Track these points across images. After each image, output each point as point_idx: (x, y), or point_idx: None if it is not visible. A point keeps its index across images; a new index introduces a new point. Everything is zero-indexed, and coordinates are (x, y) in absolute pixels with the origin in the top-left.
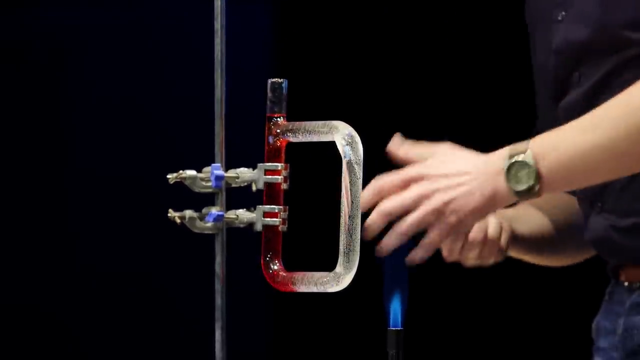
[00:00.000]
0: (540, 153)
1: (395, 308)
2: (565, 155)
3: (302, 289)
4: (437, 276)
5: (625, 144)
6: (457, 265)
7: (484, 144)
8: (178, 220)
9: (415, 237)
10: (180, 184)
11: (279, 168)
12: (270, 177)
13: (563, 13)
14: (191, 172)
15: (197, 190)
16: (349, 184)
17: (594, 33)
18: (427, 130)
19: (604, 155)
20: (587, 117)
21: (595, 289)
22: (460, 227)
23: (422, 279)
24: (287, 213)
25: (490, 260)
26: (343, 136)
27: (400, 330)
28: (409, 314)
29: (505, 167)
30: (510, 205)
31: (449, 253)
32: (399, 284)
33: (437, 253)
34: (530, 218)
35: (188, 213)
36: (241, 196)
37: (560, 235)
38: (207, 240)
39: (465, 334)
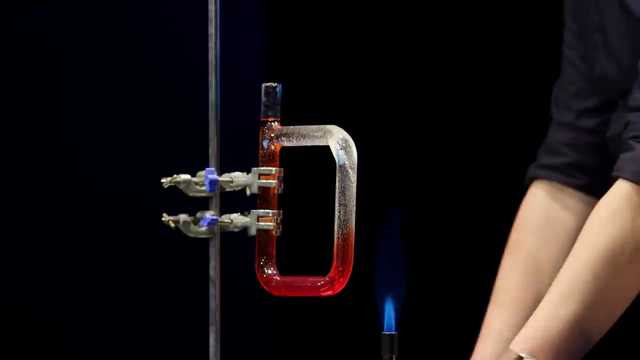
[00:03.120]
0: (535, 348)
1: (389, 312)
2: (560, 335)
3: (297, 293)
4: (432, 280)
5: (606, 289)
6: (451, 269)
7: (480, 150)
8: (172, 225)
9: (409, 244)
10: (174, 188)
11: (273, 172)
12: (264, 181)
13: (601, 40)
14: (185, 176)
15: (191, 194)
16: (343, 189)
17: (625, 73)
18: (421, 135)
19: (594, 309)
20: (555, 288)
21: None
22: None
23: (416, 283)
24: (281, 217)
25: None
26: (337, 140)
27: (394, 334)
28: (402, 318)
29: None
30: None
31: None
32: (392, 288)
33: (431, 256)
34: None
35: (182, 217)
36: (235, 200)
37: None
38: (201, 244)
39: (459, 339)
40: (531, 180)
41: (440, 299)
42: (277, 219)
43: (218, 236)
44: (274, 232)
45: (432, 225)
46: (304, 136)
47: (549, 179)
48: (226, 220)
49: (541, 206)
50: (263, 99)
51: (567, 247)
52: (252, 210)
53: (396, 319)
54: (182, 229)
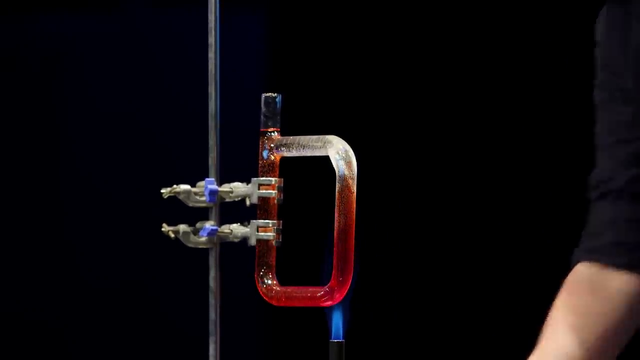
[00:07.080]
0: None
1: (337, 320)
2: None
3: (297, 303)
4: (379, 288)
5: None
6: (398, 277)
7: (480, 164)
8: (172, 235)
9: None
10: (174, 199)
11: (273, 182)
12: (264, 191)
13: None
14: (185, 187)
15: (191, 204)
16: (343, 199)
17: None
18: (421, 145)
19: None
20: None
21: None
22: None
23: (363, 290)
24: (281, 227)
25: None
26: (337, 151)
27: (341, 342)
28: (350, 325)
29: None
30: None
31: None
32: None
33: (379, 265)
34: None
35: (182, 227)
36: (235, 210)
37: None
38: (201, 254)
39: (407, 346)
40: (575, 263)
41: (388, 306)
42: (276, 229)
43: (218, 246)
44: (273, 242)
45: (410, 232)
46: (303, 146)
47: (591, 260)
48: (226, 231)
49: (583, 287)
50: (263, 109)
51: (614, 323)
52: (252, 221)
53: (344, 327)
54: (181, 239)
